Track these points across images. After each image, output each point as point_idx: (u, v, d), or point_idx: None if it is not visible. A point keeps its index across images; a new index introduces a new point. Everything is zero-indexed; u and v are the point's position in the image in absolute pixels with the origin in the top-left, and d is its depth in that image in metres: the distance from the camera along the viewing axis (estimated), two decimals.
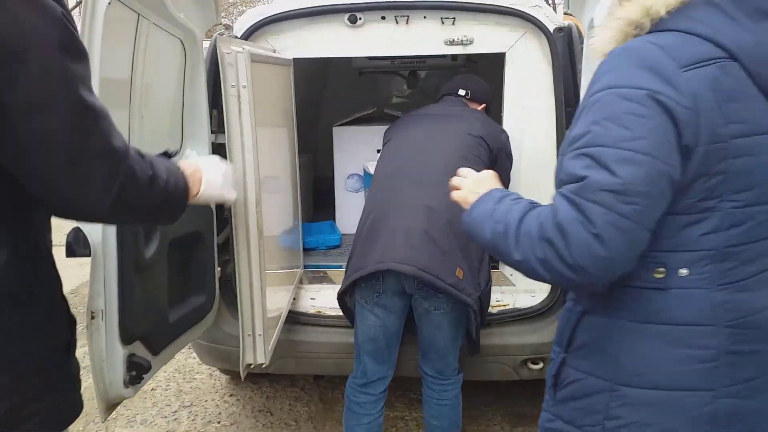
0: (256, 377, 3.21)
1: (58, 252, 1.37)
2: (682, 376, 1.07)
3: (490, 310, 2.44)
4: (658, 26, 1.04)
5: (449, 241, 2.01)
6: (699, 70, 0.99)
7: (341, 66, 3.63)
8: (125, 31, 1.83)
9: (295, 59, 2.49)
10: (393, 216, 2.08)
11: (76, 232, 1.60)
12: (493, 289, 2.62)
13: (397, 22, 2.44)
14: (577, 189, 0.99)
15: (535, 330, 2.47)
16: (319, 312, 2.56)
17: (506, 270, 2.66)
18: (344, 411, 2.27)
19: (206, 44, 2.44)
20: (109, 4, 1.59)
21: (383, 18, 2.44)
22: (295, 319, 2.57)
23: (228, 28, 2.48)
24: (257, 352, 1.74)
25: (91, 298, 1.62)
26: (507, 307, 2.54)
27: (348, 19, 2.44)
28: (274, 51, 2.47)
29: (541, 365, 2.44)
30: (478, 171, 1.41)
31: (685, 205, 1.03)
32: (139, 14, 1.88)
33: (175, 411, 2.98)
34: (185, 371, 3.32)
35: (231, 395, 3.13)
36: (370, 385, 2.22)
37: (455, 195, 1.35)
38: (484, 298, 2.16)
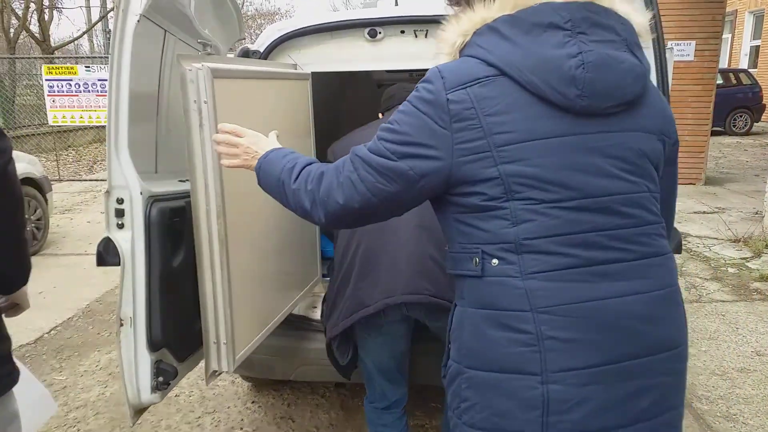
0: (278, 384, 3.27)
1: (89, 260, 1.44)
2: (509, 358, 1.15)
3: None
4: (462, 51, 1.22)
5: None
6: (464, 89, 1.14)
7: (361, 80, 3.67)
8: (153, 46, 1.90)
9: (314, 73, 2.54)
10: (389, 243, 1.99)
11: (107, 242, 1.67)
12: None
13: (416, 36, 2.48)
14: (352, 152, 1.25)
15: None
16: None
17: None
18: None
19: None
20: (138, 21, 1.65)
21: (402, 32, 2.48)
22: (315, 327, 2.61)
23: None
24: (221, 361, 1.77)
25: (120, 306, 1.69)
26: None
27: (368, 33, 2.49)
28: (296, 66, 2.53)
29: None
30: None
31: (484, 204, 1.16)
32: (165, 30, 1.96)
33: (199, 417, 3.04)
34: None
35: (253, 402, 3.18)
36: (392, 406, 2.23)
37: (228, 163, 1.50)
38: None
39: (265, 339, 2.58)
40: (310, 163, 1.33)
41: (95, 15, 18.60)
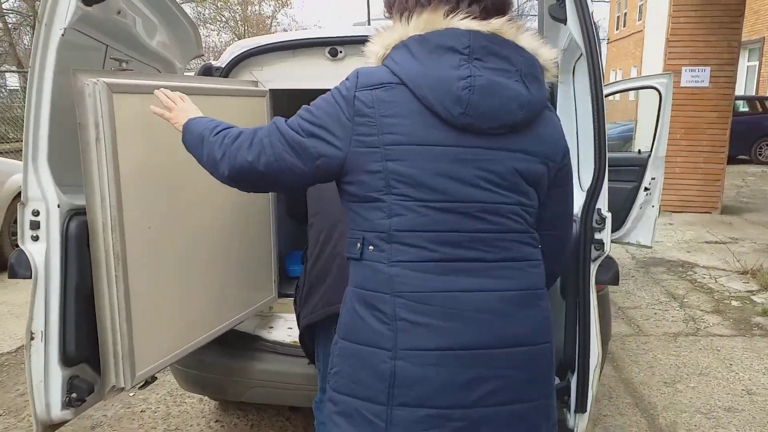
0: (244, 405, 3.21)
1: None
2: (369, 334, 1.31)
3: None
4: (383, 60, 1.37)
5: None
6: (370, 91, 1.29)
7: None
8: (88, 60, 1.90)
9: (273, 90, 2.53)
10: None
11: (20, 254, 1.65)
12: None
13: None
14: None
15: None
16: (295, 342, 2.54)
17: None
18: None
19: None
20: (63, 35, 1.65)
21: (363, 52, 2.45)
22: (270, 348, 2.56)
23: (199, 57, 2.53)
24: (119, 376, 1.74)
25: (31, 320, 1.67)
26: None
27: (329, 52, 2.47)
28: (257, 83, 2.52)
29: None
30: None
31: (368, 194, 1.31)
32: (107, 45, 1.96)
33: None
34: (177, 395, 3.35)
35: (216, 421, 3.12)
36: None
37: (158, 111, 1.63)
38: None
39: (218, 358, 2.55)
40: (234, 128, 1.46)
41: None
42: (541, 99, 1.33)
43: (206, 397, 3.27)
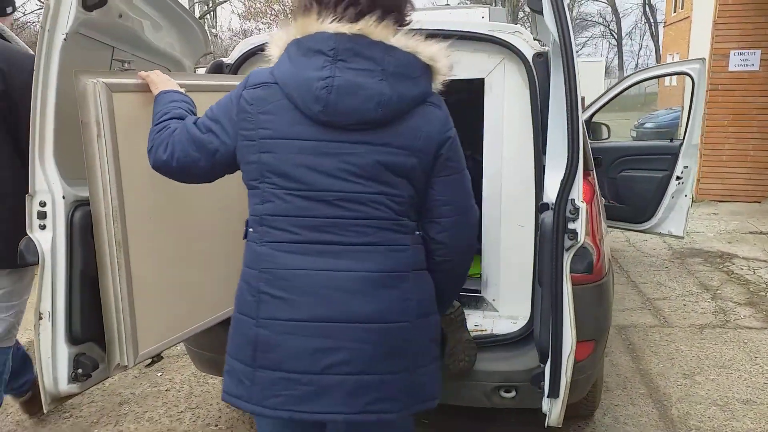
0: None
1: None
2: (244, 304, 1.50)
3: None
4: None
5: None
6: (253, 90, 1.46)
7: None
8: (94, 60, 2.03)
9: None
10: None
11: (28, 241, 1.81)
12: (475, 313, 2.62)
13: None
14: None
15: (508, 357, 2.42)
16: None
17: (489, 295, 2.63)
18: None
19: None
20: (65, 39, 1.78)
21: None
22: None
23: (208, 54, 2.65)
24: (123, 355, 1.87)
25: (40, 301, 1.82)
26: (484, 333, 2.51)
27: None
28: None
29: (513, 393, 2.39)
30: None
31: (249, 182, 1.50)
32: (114, 47, 2.09)
33: (181, 411, 3.18)
34: (200, 376, 3.52)
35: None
36: None
37: (143, 74, 1.83)
38: None
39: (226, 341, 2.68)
40: (182, 117, 1.61)
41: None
42: (409, 96, 1.41)
43: None
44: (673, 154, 4.88)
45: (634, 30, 62.17)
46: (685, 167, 4.86)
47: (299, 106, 1.40)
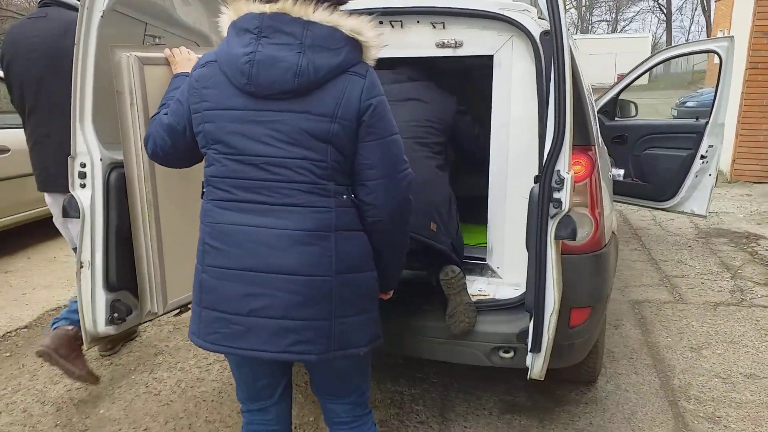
0: None
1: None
2: (197, 253, 1.71)
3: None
4: None
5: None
6: (200, 69, 1.64)
7: None
8: (128, 34, 2.24)
9: None
10: None
11: (71, 198, 2.04)
12: (480, 279, 2.77)
13: (392, 27, 2.65)
14: None
15: (509, 320, 2.57)
16: None
17: (493, 263, 2.78)
18: None
19: None
20: (102, 17, 1.99)
21: (381, 23, 2.65)
22: None
23: None
24: (153, 303, 2.08)
25: (81, 252, 2.06)
26: (487, 297, 2.67)
27: None
28: None
29: (512, 354, 2.54)
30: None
31: (201, 149, 1.68)
32: (146, 23, 2.29)
33: (210, 363, 3.44)
34: None
35: None
36: None
37: (167, 53, 2.08)
38: (457, 243, 2.55)
39: None
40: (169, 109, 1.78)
41: None
42: (327, 66, 1.53)
43: None
44: (698, 133, 4.88)
45: (684, 4, 59.82)
46: (710, 146, 4.86)
47: (231, 79, 1.56)
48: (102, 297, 2.09)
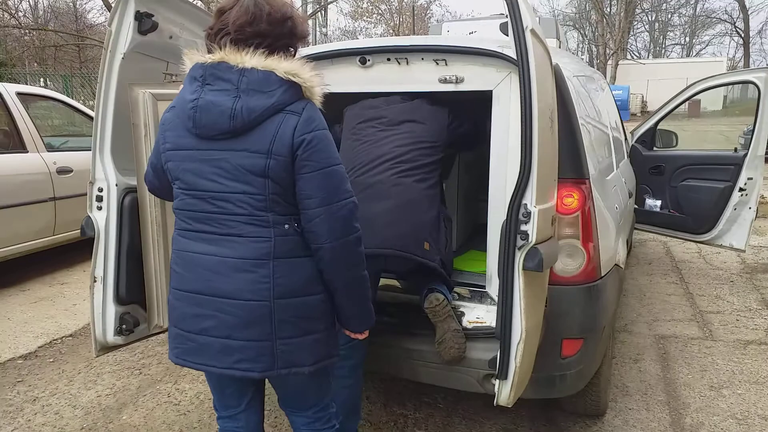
0: None
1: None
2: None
3: (466, 325, 2.68)
4: None
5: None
6: (165, 114, 1.83)
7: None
8: (152, 71, 2.47)
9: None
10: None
11: (87, 219, 2.27)
12: (479, 307, 2.84)
13: (399, 63, 2.79)
14: None
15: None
16: None
17: (492, 291, 2.84)
18: None
19: None
20: (123, 58, 2.23)
21: (388, 59, 2.81)
22: None
23: None
24: (160, 317, 2.26)
25: (94, 268, 2.28)
26: (483, 325, 2.73)
27: (359, 60, 2.86)
28: None
29: None
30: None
31: (171, 184, 1.84)
32: (168, 62, 2.53)
33: None
34: None
35: None
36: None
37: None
38: (446, 259, 2.67)
39: None
40: None
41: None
42: (260, 107, 1.66)
43: None
44: (737, 165, 4.77)
45: (764, 27, 57.38)
46: (749, 179, 4.74)
47: (183, 123, 1.74)
48: (112, 309, 2.31)
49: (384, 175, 2.64)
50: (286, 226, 1.75)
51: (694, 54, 51.59)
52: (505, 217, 2.05)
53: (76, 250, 5.93)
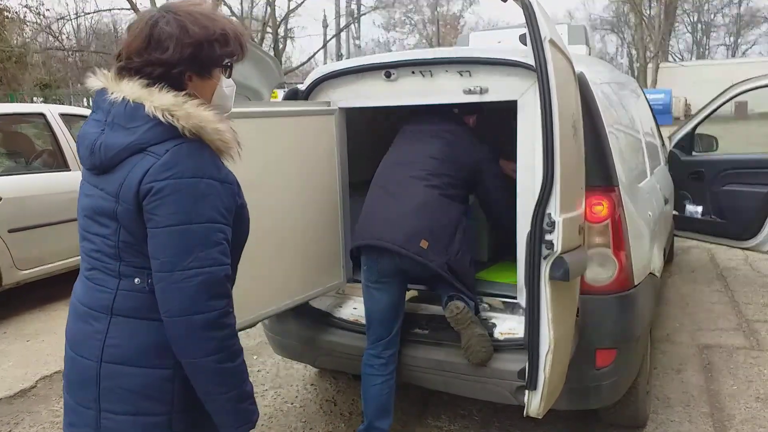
0: (337, 374, 3.75)
1: None
2: None
3: (498, 336, 2.66)
4: None
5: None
6: None
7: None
8: None
9: (343, 108, 3.02)
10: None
11: None
12: (511, 318, 2.82)
13: (423, 76, 2.82)
14: None
15: None
16: (356, 320, 3.01)
17: (523, 302, 2.81)
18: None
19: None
20: None
21: (413, 73, 2.83)
22: (336, 323, 3.07)
23: (282, 86, 3.09)
24: None
25: None
26: (515, 336, 2.70)
27: (384, 74, 2.89)
28: (329, 103, 3.03)
29: None
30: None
31: None
32: None
33: (266, 390, 3.67)
34: (288, 361, 3.99)
35: (312, 384, 3.72)
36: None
37: None
38: (456, 266, 2.66)
39: (297, 328, 3.10)
40: None
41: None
42: (117, 145, 1.42)
43: (309, 365, 3.88)
44: None
45: None
46: None
47: None
48: None
49: (402, 178, 2.75)
50: (137, 280, 1.46)
51: (740, 54, 50.12)
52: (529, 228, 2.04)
53: None
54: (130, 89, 1.43)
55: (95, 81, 1.51)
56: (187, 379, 1.44)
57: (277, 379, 3.82)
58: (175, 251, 1.38)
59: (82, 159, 1.52)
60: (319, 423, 3.28)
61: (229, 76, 1.59)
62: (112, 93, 1.45)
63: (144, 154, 1.41)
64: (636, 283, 2.59)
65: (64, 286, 5.79)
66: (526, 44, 2.02)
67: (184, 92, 1.45)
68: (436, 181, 2.69)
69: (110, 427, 1.48)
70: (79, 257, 1.58)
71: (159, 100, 1.41)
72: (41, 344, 4.53)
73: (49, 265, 5.22)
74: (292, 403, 3.51)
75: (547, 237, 1.96)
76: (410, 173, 2.73)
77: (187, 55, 1.46)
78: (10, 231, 4.80)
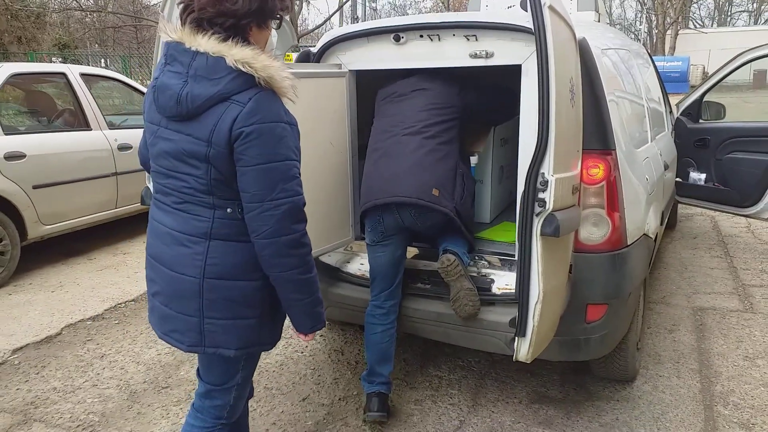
0: (347, 325, 3.94)
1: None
2: None
3: (495, 291, 2.82)
4: None
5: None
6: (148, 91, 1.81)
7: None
8: None
9: (354, 71, 3.13)
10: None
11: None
12: (509, 274, 2.96)
13: (431, 40, 2.91)
14: None
15: None
16: (363, 275, 3.18)
17: None
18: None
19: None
20: None
21: (421, 36, 2.93)
22: (344, 277, 3.23)
23: (296, 49, 3.19)
24: None
25: None
26: (511, 291, 2.85)
27: (393, 38, 2.98)
28: (340, 65, 3.14)
29: None
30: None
31: None
32: None
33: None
34: None
35: (320, 335, 3.92)
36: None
37: None
38: (462, 209, 2.80)
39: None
40: None
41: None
42: (204, 95, 1.61)
43: (334, 335, 4.03)
44: None
45: None
46: None
47: (152, 99, 1.77)
48: None
49: (396, 138, 2.85)
50: (229, 210, 1.74)
51: (762, 21, 48.88)
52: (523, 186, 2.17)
53: (137, 222, 6.32)
54: (208, 43, 1.61)
55: (167, 35, 1.68)
56: (272, 288, 1.77)
57: (288, 329, 3.99)
58: (262, 185, 1.64)
59: (163, 108, 1.70)
60: (326, 370, 3.49)
61: (279, 28, 1.81)
62: (191, 47, 1.62)
63: (229, 102, 1.62)
64: (629, 243, 2.72)
65: (86, 241, 6.02)
66: (526, 10, 2.12)
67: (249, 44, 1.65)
68: (431, 131, 2.81)
69: (212, 330, 1.78)
70: (154, 194, 1.86)
71: (239, 54, 1.60)
72: (65, 294, 4.76)
73: (72, 221, 5.43)
74: (302, 352, 3.72)
75: (540, 195, 2.09)
76: (404, 131, 2.85)
77: (255, 8, 1.65)
78: (34, 187, 5.00)
